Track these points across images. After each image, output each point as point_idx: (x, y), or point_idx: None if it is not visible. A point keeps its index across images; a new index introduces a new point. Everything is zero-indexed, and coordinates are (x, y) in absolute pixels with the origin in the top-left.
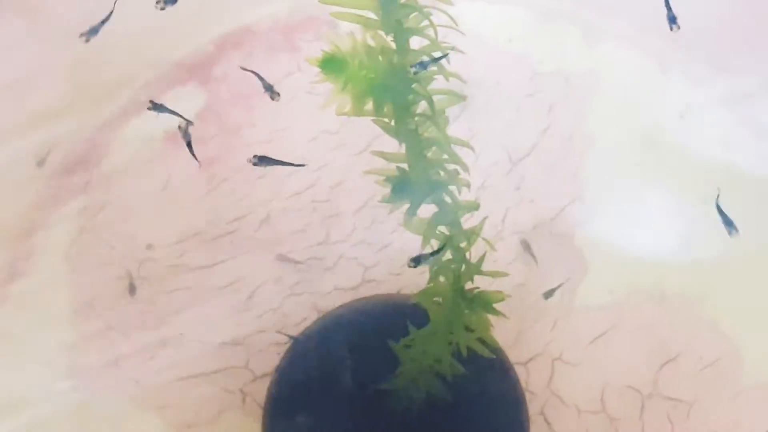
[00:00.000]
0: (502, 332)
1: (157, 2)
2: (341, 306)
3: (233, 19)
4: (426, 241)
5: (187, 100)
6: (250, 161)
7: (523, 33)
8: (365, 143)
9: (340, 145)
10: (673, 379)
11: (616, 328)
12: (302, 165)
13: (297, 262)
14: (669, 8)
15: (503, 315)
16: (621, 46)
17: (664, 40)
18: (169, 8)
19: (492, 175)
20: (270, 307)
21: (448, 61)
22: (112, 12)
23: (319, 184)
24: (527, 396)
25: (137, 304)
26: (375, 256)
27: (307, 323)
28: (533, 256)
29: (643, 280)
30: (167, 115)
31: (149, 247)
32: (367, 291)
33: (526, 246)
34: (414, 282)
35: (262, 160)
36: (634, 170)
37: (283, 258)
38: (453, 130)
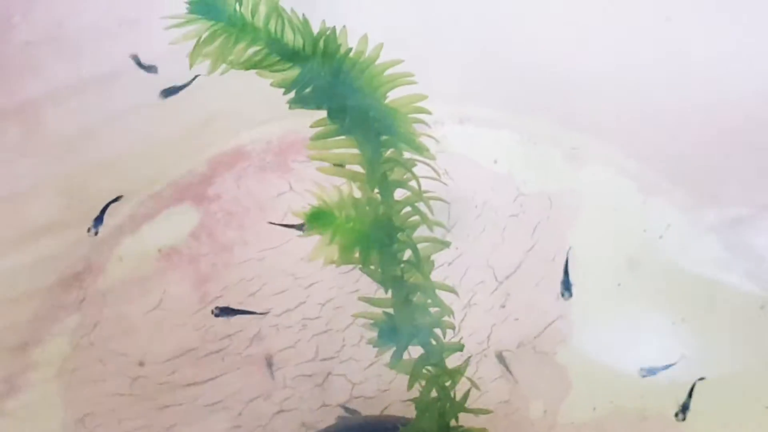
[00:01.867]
0: None
1: (88, 230)
2: (328, 427)
3: (227, 141)
4: (413, 382)
5: (180, 219)
6: (213, 312)
7: (508, 154)
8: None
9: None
10: None
11: None
12: (264, 313)
13: (285, 380)
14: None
15: None
16: (603, 168)
17: (645, 163)
18: (165, 128)
19: (478, 293)
20: (260, 424)
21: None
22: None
23: (309, 302)
24: None
25: (130, 421)
26: (363, 373)
27: None
28: (508, 369)
29: (625, 398)
30: (163, 232)
31: (141, 364)
32: (356, 407)
33: (501, 359)
34: (401, 398)
35: (224, 312)
36: (616, 290)
37: (272, 374)
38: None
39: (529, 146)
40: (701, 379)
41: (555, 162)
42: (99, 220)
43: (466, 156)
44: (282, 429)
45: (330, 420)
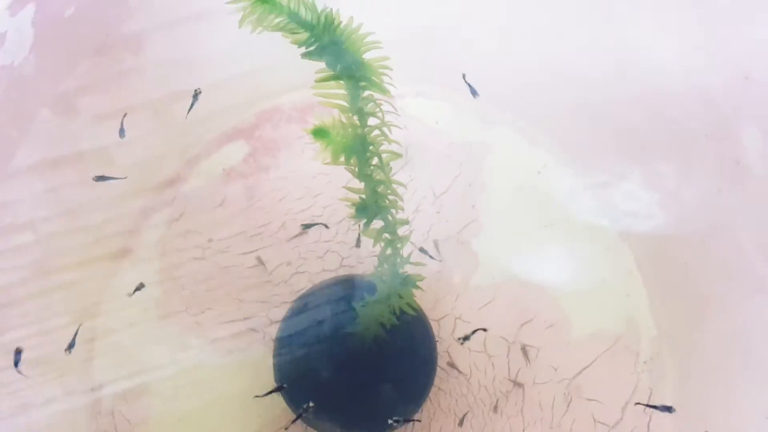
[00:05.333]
0: (424, 300)
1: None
2: (325, 281)
3: (268, 101)
4: (376, 241)
5: (237, 150)
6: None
7: (446, 118)
8: (345, 181)
9: (330, 182)
10: (528, 333)
11: (495, 300)
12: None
13: (300, 252)
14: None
15: (422, 289)
16: (507, 128)
17: (532, 124)
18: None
19: (422, 204)
20: (283, 280)
21: (389, 131)
22: None
23: (316, 205)
24: (438, 341)
25: (201, 276)
26: (349, 251)
27: (303, 291)
28: (428, 255)
29: (514, 272)
30: (226, 158)
31: (210, 240)
32: (343, 271)
33: (436, 245)
34: (371, 267)
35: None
36: (512, 205)
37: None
38: (399, 176)
39: (459, 113)
40: None
41: (474, 123)
42: None
43: (418, 118)
44: (297, 283)
45: (326, 278)
